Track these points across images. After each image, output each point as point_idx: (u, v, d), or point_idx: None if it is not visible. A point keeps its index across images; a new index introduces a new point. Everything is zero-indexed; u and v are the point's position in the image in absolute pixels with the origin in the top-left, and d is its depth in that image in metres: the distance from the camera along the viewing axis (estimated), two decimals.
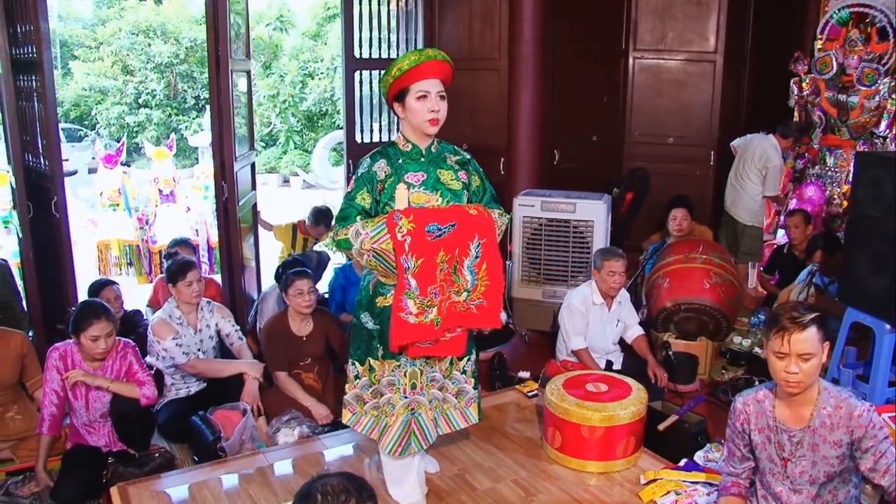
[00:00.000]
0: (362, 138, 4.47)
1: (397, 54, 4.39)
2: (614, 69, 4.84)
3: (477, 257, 1.95)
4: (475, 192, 2.10)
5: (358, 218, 1.95)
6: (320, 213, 4.28)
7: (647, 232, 4.49)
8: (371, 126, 4.55)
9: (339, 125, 11.86)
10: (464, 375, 2.13)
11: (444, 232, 1.91)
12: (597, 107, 4.79)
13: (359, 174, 2.01)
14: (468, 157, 2.15)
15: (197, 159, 8.87)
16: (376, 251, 1.90)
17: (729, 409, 1.91)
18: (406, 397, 2.03)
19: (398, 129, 2.12)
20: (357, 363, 2.07)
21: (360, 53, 4.34)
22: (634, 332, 3.28)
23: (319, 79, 11.96)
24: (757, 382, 3.04)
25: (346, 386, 2.11)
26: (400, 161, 2.01)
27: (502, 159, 4.42)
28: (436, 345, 1.97)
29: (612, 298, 3.23)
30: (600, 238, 3.66)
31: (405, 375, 2.02)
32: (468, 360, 2.13)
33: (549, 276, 3.79)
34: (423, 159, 2.03)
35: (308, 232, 4.30)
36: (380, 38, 4.39)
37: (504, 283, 2.01)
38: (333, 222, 1.99)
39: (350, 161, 4.37)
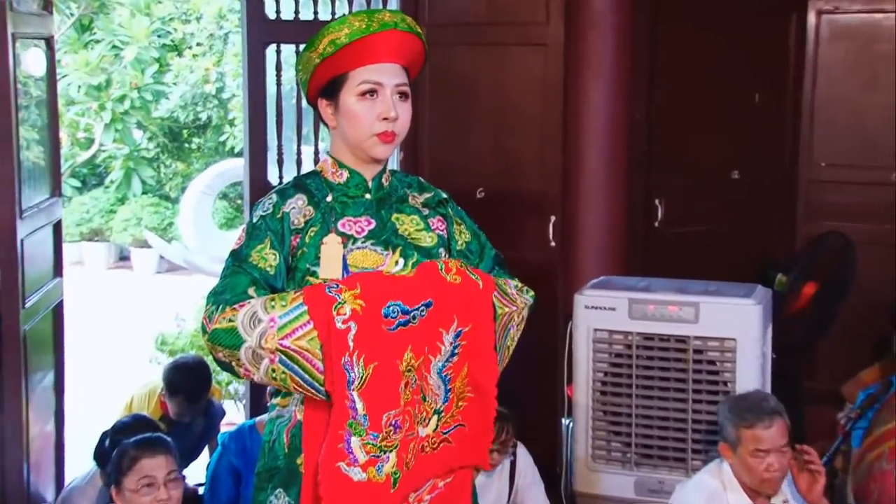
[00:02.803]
0: (281, 173, 4.64)
1: (347, 13, 4.62)
2: (775, 40, 5.04)
3: (453, 355, 2.14)
4: (463, 253, 2.34)
5: (253, 291, 2.12)
6: (180, 372, 4.31)
7: (850, 363, 4.50)
8: (297, 148, 4.73)
9: (232, 148, 12.17)
10: None
11: (414, 317, 2.10)
12: (739, 114, 4.97)
13: (255, 220, 2.24)
14: (444, 194, 2.40)
15: None
16: (289, 353, 2.05)
17: None
18: None
19: (325, 151, 2.36)
20: None
21: (277, 11, 4.58)
22: None
23: (193, 56, 12.38)
24: None
25: None
26: (329, 199, 2.28)
27: (552, 218, 4.55)
28: None
29: (769, 499, 3.23)
30: (751, 374, 3.70)
31: None
32: None
33: (647, 450, 3.82)
34: (367, 196, 2.30)
35: (165, 406, 4.32)
36: None
37: (496, 403, 2.19)
38: (207, 303, 2.16)
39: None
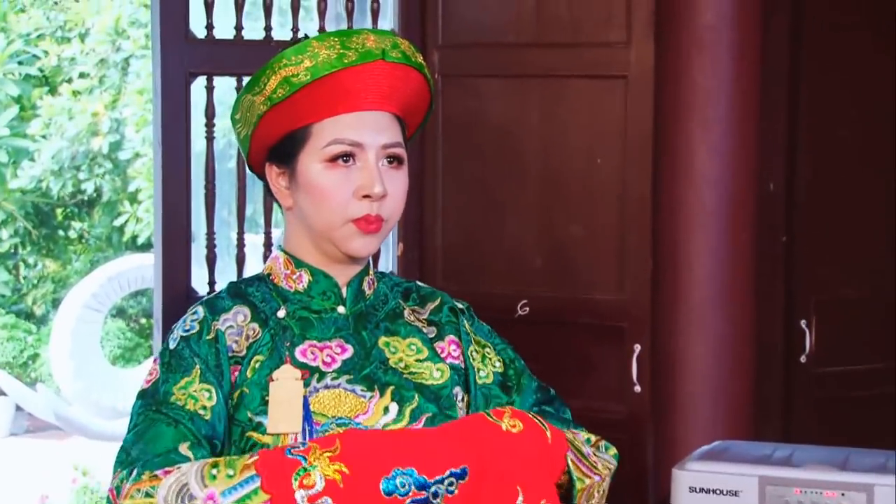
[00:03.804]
0: (212, 276, 4.70)
1: (316, 33, 4.70)
2: None
3: None
4: (488, 388, 2.36)
5: (187, 449, 2.09)
6: None
7: None
8: (239, 237, 4.78)
9: (135, 238, 12.21)
10: None
11: (437, 494, 2.04)
12: None
13: (173, 345, 2.25)
14: (459, 303, 2.44)
15: None
16: None
17: None
18: None
19: (277, 244, 2.39)
20: None
21: (209, 26, 4.68)
22: None
23: (74, 94, 12.57)
24: None
25: None
26: (280, 315, 2.31)
27: (637, 349, 4.57)
28: None
29: None
30: None
31: None
32: None
33: None
34: (340, 310, 2.34)
35: None
36: None
37: None
38: (116, 467, 2.11)
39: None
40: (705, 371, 4.54)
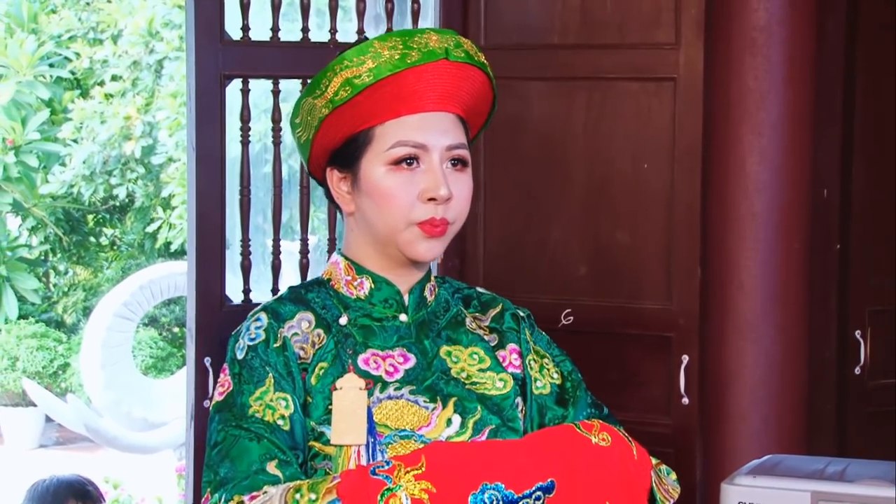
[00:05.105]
0: (247, 283, 4.72)
1: (363, 34, 4.72)
2: None
3: None
4: (543, 399, 2.39)
5: (274, 467, 2.12)
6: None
7: None
8: (274, 244, 4.75)
9: (168, 244, 12.24)
10: None
11: None
12: None
13: (240, 355, 2.27)
14: (521, 311, 2.49)
15: None
16: None
17: None
18: None
19: (337, 250, 2.41)
20: None
21: (245, 27, 4.67)
22: None
23: (106, 97, 12.64)
24: None
25: None
26: (343, 322, 2.35)
27: (685, 360, 4.54)
28: None
29: None
30: None
31: None
32: None
33: None
34: (402, 318, 2.38)
35: None
36: None
37: None
38: (205, 488, 2.17)
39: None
40: (756, 382, 4.52)
